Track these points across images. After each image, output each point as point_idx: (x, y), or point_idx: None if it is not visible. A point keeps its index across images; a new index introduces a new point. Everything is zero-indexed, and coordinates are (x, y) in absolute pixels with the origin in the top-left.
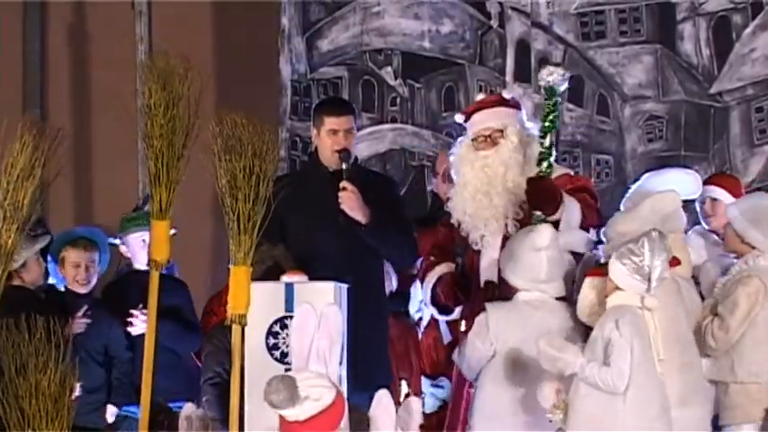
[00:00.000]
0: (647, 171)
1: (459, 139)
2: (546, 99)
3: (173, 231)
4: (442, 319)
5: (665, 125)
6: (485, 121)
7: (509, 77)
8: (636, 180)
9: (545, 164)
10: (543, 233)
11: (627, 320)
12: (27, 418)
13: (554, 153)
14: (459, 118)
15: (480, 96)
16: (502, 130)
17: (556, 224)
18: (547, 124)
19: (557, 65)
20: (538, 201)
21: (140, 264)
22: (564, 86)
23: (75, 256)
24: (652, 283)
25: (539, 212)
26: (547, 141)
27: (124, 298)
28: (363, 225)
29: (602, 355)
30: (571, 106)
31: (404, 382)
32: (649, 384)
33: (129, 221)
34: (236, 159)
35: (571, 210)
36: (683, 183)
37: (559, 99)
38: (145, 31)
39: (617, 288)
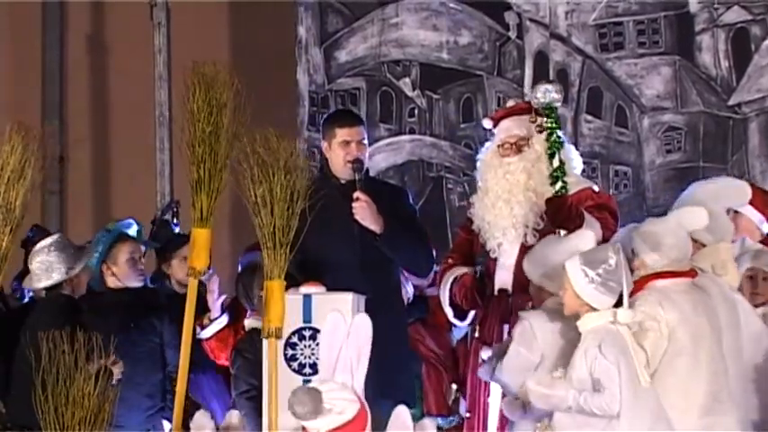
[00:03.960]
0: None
1: (487, 144)
2: (547, 117)
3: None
4: (458, 324)
5: (683, 136)
6: (511, 128)
7: (527, 89)
8: (682, 189)
9: (558, 184)
10: (586, 238)
11: (609, 342)
12: (65, 428)
13: (566, 172)
14: (487, 123)
15: (511, 103)
16: (528, 138)
17: None
18: (552, 144)
19: (550, 82)
20: (560, 220)
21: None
22: (560, 103)
23: (130, 248)
24: (624, 299)
25: (563, 231)
26: (556, 161)
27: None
28: (378, 235)
29: (589, 382)
30: (589, 117)
31: (453, 386)
32: (637, 400)
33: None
34: (274, 173)
35: (593, 227)
36: (730, 192)
37: (559, 117)
38: (163, 42)
39: (587, 308)
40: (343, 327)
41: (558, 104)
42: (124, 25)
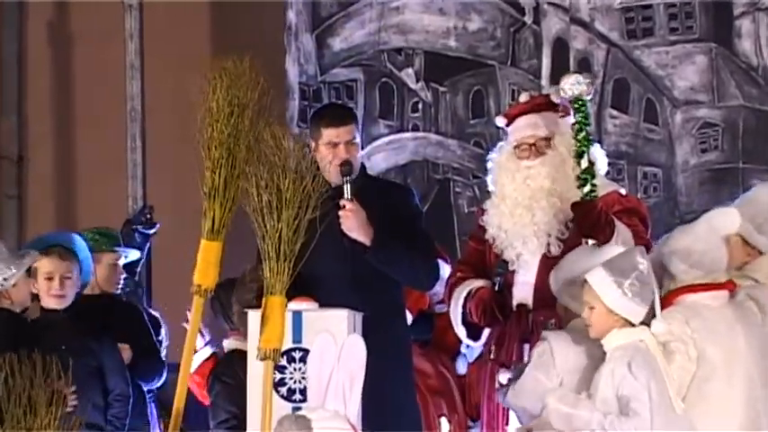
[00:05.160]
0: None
1: (500, 144)
2: (576, 112)
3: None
4: (470, 344)
5: (720, 134)
6: (530, 127)
7: (545, 81)
8: (739, 196)
9: (587, 187)
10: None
11: (639, 362)
12: None
13: (596, 173)
14: (500, 121)
15: (524, 97)
16: (549, 139)
17: None
18: (580, 142)
19: (578, 72)
20: (589, 228)
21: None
22: (590, 95)
23: (48, 266)
24: (656, 305)
25: (592, 241)
26: (584, 162)
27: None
28: (366, 247)
29: (615, 404)
30: (615, 113)
31: (444, 420)
32: (670, 428)
33: (105, 237)
34: (283, 176)
35: (625, 236)
36: None
37: (590, 112)
38: (135, 27)
39: (622, 323)
40: (333, 349)
41: (589, 97)
42: (91, 9)
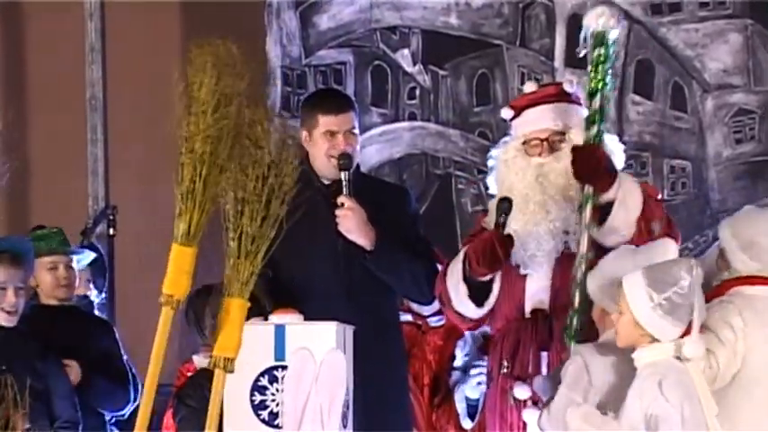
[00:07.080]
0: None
1: (504, 139)
2: (597, 47)
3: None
4: (472, 315)
5: (757, 122)
6: (542, 120)
7: (558, 63)
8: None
9: (594, 129)
10: (669, 251)
11: (672, 382)
12: None
13: (606, 116)
14: (506, 113)
15: (531, 87)
16: (563, 133)
17: (609, 206)
18: (596, 78)
19: (604, 3)
20: (585, 172)
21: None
22: (617, 33)
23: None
24: (693, 329)
25: (588, 189)
26: (597, 101)
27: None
28: (367, 251)
29: (642, 426)
30: (638, 99)
31: None
32: None
33: (41, 241)
34: (253, 166)
35: (631, 191)
36: None
37: (612, 49)
38: (96, 4)
39: (648, 338)
40: (311, 367)
41: (614, 32)
42: None
